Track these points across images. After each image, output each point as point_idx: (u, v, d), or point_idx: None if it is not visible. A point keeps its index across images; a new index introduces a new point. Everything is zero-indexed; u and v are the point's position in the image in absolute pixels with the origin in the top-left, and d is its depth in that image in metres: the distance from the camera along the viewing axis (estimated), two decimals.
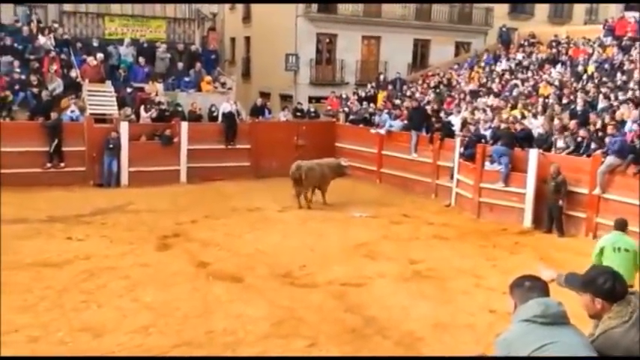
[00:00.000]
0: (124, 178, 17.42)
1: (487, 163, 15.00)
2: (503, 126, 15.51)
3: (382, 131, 18.80)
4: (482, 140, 15.48)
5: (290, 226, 13.59)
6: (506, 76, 21.27)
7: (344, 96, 22.83)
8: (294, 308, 8.71)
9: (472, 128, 16.39)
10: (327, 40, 27.19)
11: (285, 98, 26.58)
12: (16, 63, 18.30)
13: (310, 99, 25.53)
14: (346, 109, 21.31)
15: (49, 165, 16.84)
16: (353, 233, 13.05)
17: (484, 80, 21.64)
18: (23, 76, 18.07)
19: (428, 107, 19.30)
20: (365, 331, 8.04)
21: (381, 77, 24.16)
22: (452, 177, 16.34)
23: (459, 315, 8.69)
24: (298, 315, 8.48)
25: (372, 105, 21.20)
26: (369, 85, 23.38)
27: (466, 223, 14.53)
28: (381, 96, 21.96)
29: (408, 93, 21.74)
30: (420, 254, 11.64)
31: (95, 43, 20.57)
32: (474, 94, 20.09)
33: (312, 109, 22.12)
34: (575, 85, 18.37)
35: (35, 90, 17.82)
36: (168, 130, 18.03)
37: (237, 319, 8.25)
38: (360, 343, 7.72)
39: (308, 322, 8.26)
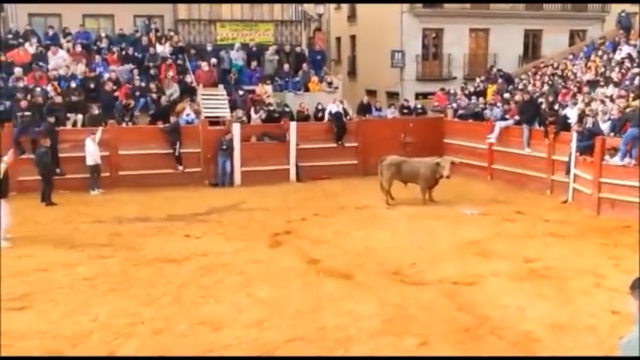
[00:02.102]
0: (237, 178, 18.04)
1: (606, 157, 14.23)
2: (629, 110, 14.56)
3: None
4: (600, 133, 14.69)
5: (398, 224, 13.50)
6: (627, 64, 20.02)
7: (452, 91, 22.41)
8: (404, 306, 8.66)
9: (590, 120, 15.57)
10: (434, 35, 26.80)
11: (392, 95, 26.49)
12: (136, 71, 19.45)
13: (417, 95, 25.29)
14: (454, 105, 20.89)
15: (180, 168, 17.69)
16: (464, 231, 12.78)
17: (602, 70, 20.48)
18: (143, 84, 19.17)
19: (541, 100, 18.55)
20: (478, 331, 7.85)
21: (494, 70, 23.48)
22: (568, 172, 15.62)
23: (579, 316, 8.29)
24: (409, 313, 8.42)
25: (481, 99, 20.68)
26: (477, 80, 22.80)
27: (585, 220, 13.83)
28: (491, 90, 21.35)
29: (520, 86, 20.99)
30: (535, 253, 11.21)
31: (209, 48, 21.45)
32: (592, 85, 19.08)
33: (418, 106, 21.89)
34: None
35: (154, 96, 18.86)
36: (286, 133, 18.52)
37: (348, 315, 8.31)
38: (474, 343, 7.55)
39: (419, 320, 8.18)
